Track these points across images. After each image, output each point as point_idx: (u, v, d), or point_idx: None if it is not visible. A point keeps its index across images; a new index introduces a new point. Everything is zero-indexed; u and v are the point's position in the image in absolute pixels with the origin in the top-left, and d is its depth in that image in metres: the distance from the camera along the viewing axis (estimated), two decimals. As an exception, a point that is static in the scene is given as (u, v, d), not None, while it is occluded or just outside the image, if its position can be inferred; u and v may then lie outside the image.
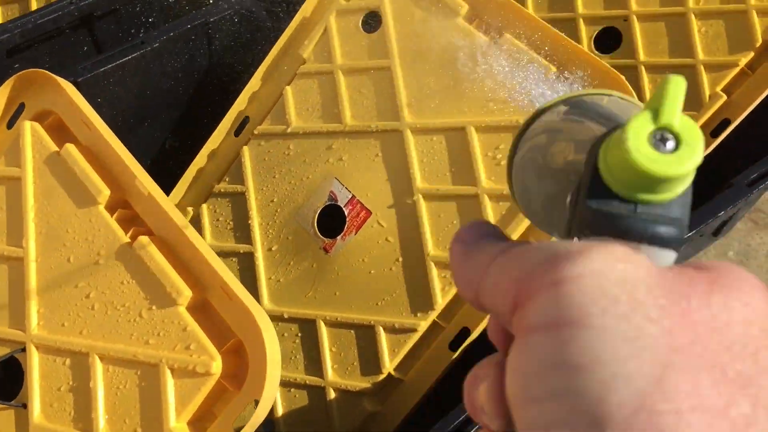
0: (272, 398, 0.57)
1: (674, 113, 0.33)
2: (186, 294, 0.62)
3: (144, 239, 0.65)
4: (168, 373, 0.61)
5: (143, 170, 0.67)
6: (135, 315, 0.64)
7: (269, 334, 0.58)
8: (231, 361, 0.61)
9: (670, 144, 0.33)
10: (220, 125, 1.04)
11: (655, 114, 0.33)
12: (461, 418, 0.77)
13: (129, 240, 0.66)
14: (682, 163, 0.32)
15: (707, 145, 1.19)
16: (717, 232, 1.31)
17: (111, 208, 0.68)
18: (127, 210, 0.68)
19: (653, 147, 0.33)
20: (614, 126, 0.37)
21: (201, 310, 0.63)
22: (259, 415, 0.57)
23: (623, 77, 0.82)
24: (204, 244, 0.63)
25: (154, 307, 0.63)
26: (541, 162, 0.45)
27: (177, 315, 0.62)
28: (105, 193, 0.68)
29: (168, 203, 0.65)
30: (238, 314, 0.61)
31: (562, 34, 0.88)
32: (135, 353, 0.63)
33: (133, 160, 0.67)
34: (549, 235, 0.45)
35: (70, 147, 0.71)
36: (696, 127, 0.34)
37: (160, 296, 0.63)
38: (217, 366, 0.60)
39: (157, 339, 0.62)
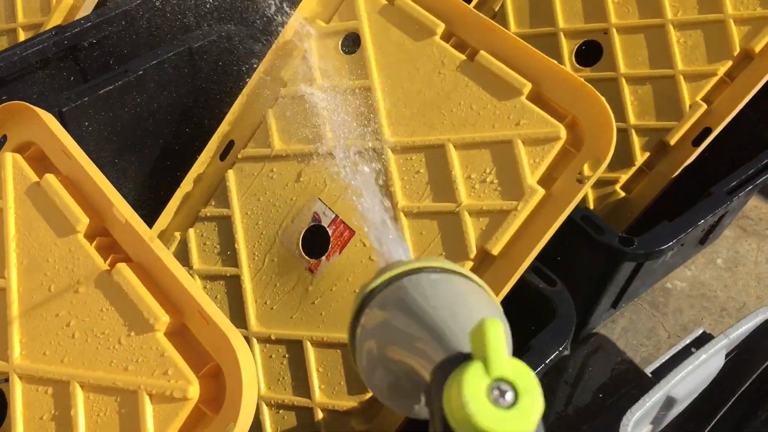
0: (249, 421, 0.57)
1: (502, 362, 0.35)
2: (163, 319, 0.62)
3: (122, 266, 0.65)
4: (146, 399, 0.61)
5: (121, 198, 0.67)
6: (114, 342, 0.64)
7: (245, 357, 0.58)
8: (209, 385, 0.61)
9: (509, 395, 0.35)
10: (206, 149, 1.05)
11: (485, 364, 0.35)
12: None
13: (108, 267, 0.66)
14: (527, 419, 0.34)
15: (689, 154, 1.19)
16: (703, 241, 1.31)
17: (90, 236, 0.68)
18: (105, 237, 0.68)
19: (494, 403, 0.34)
20: (447, 359, 0.38)
21: (179, 334, 0.63)
22: (237, 439, 0.57)
23: (596, 92, 0.82)
24: (181, 269, 0.63)
25: (132, 333, 0.63)
26: (377, 354, 0.47)
27: (155, 340, 0.62)
28: (84, 221, 0.68)
29: (145, 229, 0.65)
30: (215, 338, 0.61)
31: (538, 51, 0.88)
32: (114, 380, 0.63)
33: (111, 188, 0.68)
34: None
35: (50, 177, 0.71)
36: (529, 372, 0.35)
37: (139, 322, 0.63)
38: (194, 391, 0.60)
39: (136, 365, 0.62)
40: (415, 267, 0.48)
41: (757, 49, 1.14)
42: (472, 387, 0.34)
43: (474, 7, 1.42)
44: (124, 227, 0.66)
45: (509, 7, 1.38)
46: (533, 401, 0.34)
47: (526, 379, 0.35)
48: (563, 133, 0.84)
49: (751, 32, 1.15)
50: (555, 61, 0.86)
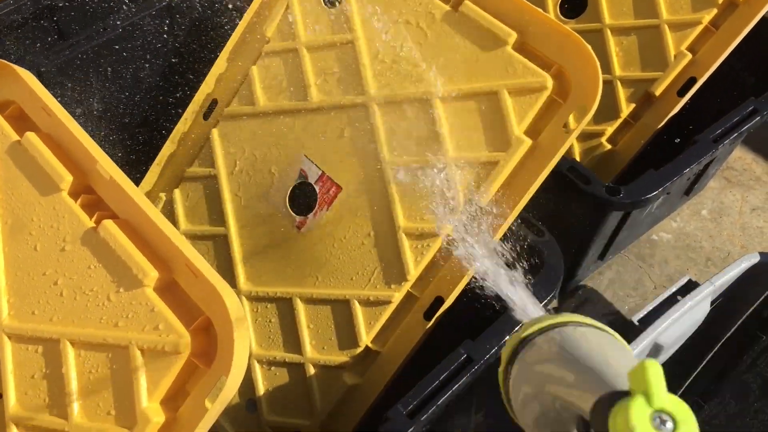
0: (241, 372, 0.57)
1: (662, 396, 0.42)
2: (152, 275, 0.62)
3: (108, 223, 0.64)
4: (138, 354, 0.61)
5: (105, 154, 0.66)
6: (103, 299, 0.64)
7: (235, 308, 0.58)
8: (200, 338, 0.60)
9: (669, 425, 0.42)
10: (188, 109, 1.04)
11: (647, 397, 0.42)
12: (434, 385, 0.78)
13: (94, 225, 0.66)
14: None
15: (675, 105, 1.19)
16: (689, 191, 1.32)
17: (74, 194, 0.68)
18: (90, 195, 0.68)
19: (656, 430, 0.42)
20: (607, 395, 0.45)
21: (168, 289, 0.63)
22: (230, 389, 0.57)
23: (584, 41, 0.82)
24: (168, 225, 0.63)
25: (121, 290, 0.63)
26: (532, 392, 0.55)
27: (144, 296, 0.62)
28: (67, 179, 0.67)
29: (130, 186, 0.64)
30: (204, 292, 0.60)
31: (525, 1, 0.87)
32: (105, 337, 0.63)
33: (94, 145, 0.67)
34: None
35: (31, 135, 0.70)
36: (685, 406, 0.42)
37: (127, 279, 0.63)
38: (185, 344, 0.60)
39: (126, 321, 0.62)
40: (563, 321, 0.58)
41: (742, -4, 1.13)
42: (638, 416, 0.42)
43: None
44: (108, 184, 0.66)
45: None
46: (690, 429, 0.42)
47: (684, 411, 0.42)
48: (549, 82, 0.83)
49: (736, -20, 1.15)
50: (540, 10, 0.85)
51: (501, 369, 0.61)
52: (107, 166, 0.65)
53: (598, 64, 0.81)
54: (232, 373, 0.57)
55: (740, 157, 1.54)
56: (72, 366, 0.64)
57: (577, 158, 1.26)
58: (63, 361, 0.64)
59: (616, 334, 0.58)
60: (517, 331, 0.61)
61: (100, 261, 0.64)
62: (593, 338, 0.55)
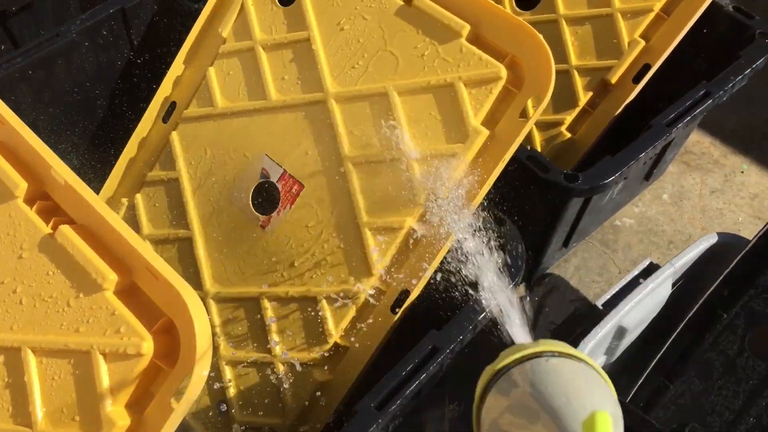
0: (204, 372, 0.57)
1: None
2: (111, 278, 0.62)
3: (65, 228, 0.64)
4: (100, 358, 0.61)
5: (59, 160, 0.66)
6: (63, 305, 0.63)
7: (196, 308, 0.58)
8: (163, 340, 0.60)
9: None
10: (147, 112, 1.03)
11: None
12: (401, 376, 0.78)
13: (50, 231, 0.65)
14: None
15: (630, 91, 1.21)
16: (648, 176, 1.34)
17: (30, 200, 0.67)
18: (46, 201, 0.67)
19: None
20: None
21: (129, 292, 0.62)
22: (194, 389, 0.57)
23: (535, 30, 0.83)
24: (126, 227, 0.62)
25: (81, 295, 0.63)
26: (499, 429, 0.54)
27: (104, 300, 0.62)
28: (22, 186, 0.67)
29: (86, 190, 0.64)
30: (165, 293, 0.60)
31: (475, -8, 0.88)
32: (66, 343, 0.62)
33: (49, 151, 0.66)
34: None
35: (-16, 144, 0.69)
36: None
37: (87, 283, 0.62)
38: (148, 346, 0.59)
39: (87, 326, 0.62)
40: (536, 351, 0.55)
41: (691, -18, 1.15)
42: None
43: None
44: (64, 189, 0.65)
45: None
46: None
47: None
48: (504, 72, 0.84)
49: (684, -34, 1.17)
50: (492, 2, 0.86)
51: (474, 405, 0.60)
52: (62, 172, 0.64)
53: (550, 52, 0.82)
54: (195, 373, 0.57)
55: (698, 141, 1.56)
56: (34, 373, 0.63)
57: (538, 148, 1.27)
58: (25, 369, 0.64)
59: (595, 364, 0.56)
60: (493, 363, 0.60)
61: (59, 267, 0.64)
62: (564, 371, 0.54)
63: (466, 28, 0.86)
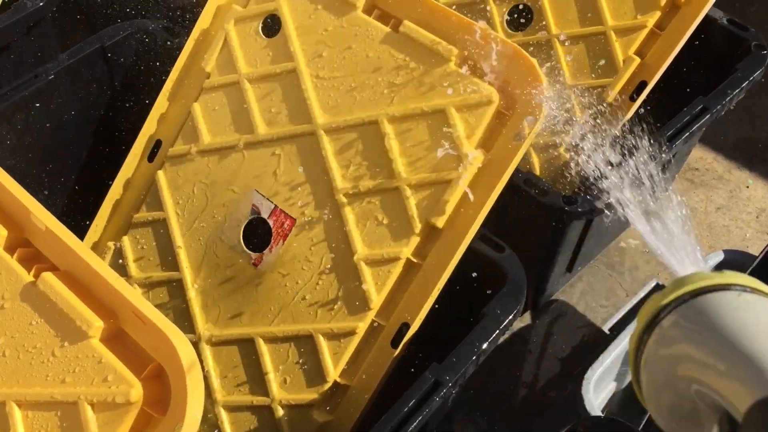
0: (197, 418, 0.57)
1: None
2: (97, 325, 0.61)
3: (48, 276, 0.64)
4: (88, 408, 0.60)
5: (39, 205, 0.66)
6: (48, 355, 0.63)
7: (187, 353, 0.58)
8: (153, 386, 0.60)
9: None
10: (132, 151, 1.03)
11: None
12: (403, 413, 0.77)
13: (33, 279, 0.65)
14: None
15: (628, 109, 1.22)
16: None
17: (10, 248, 0.67)
18: (28, 248, 0.67)
19: None
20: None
21: (115, 339, 0.62)
22: (186, 438, 0.56)
23: (522, 50, 0.83)
24: (111, 272, 0.62)
25: (66, 344, 0.62)
26: (670, 374, 0.45)
27: (90, 348, 0.61)
28: (2, 233, 0.67)
29: (68, 235, 0.64)
30: (153, 338, 0.60)
31: (461, 15, 0.89)
32: (52, 394, 0.62)
33: (27, 196, 0.66)
34: None
35: (-38, 192, 0.69)
36: None
37: (72, 331, 0.62)
38: (137, 394, 0.59)
39: (74, 376, 0.61)
40: (724, 283, 0.46)
41: (683, -4, 1.16)
42: None
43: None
44: (45, 235, 0.65)
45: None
46: None
47: None
48: (495, 96, 0.85)
49: (676, -20, 1.18)
50: (482, 26, 0.87)
51: (635, 334, 0.50)
52: (42, 217, 0.64)
53: (540, 72, 0.83)
54: (187, 420, 0.56)
55: (701, 157, 1.57)
56: (20, 428, 0.63)
57: (537, 171, 1.27)
58: (11, 423, 0.63)
59: None
60: (659, 292, 0.50)
61: (42, 316, 0.63)
62: (764, 313, 0.44)
63: (455, 53, 0.87)
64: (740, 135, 1.59)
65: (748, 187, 1.51)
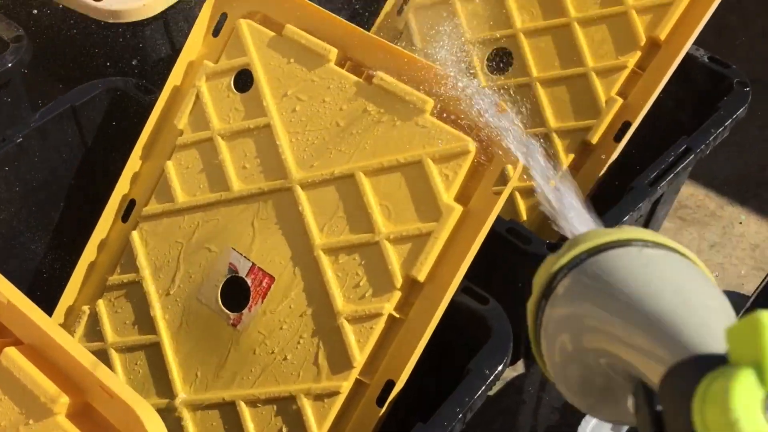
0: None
1: None
2: (62, 401, 0.61)
3: (11, 351, 0.63)
4: (54, 491, 0.59)
5: (0, 277, 0.65)
6: (12, 433, 0.62)
7: (155, 426, 0.57)
8: (121, 464, 0.59)
9: None
10: (105, 212, 1.03)
11: (760, 372, 0.29)
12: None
13: (-5, 354, 0.64)
14: None
15: (613, 151, 1.22)
16: (642, 236, 1.34)
17: (-28, 324, 0.66)
18: (-9, 323, 0.66)
19: None
20: (690, 361, 0.32)
21: (82, 414, 0.61)
22: None
23: (503, 104, 0.84)
24: (76, 345, 0.62)
25: (31, 422, 0.61)
26: (573, 344, 0.41)
27: (56, 424, 0.60)
28: (-37, 308, 0.66)
29: (31, 307, 0.63)
30: (122, 412, 0.59)
31: (438, 67, 0.90)
32: (16, 475, 0.61)
33: (-12, 268, 0.66)
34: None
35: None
36: None
37: (37, 408, 0.61)
38: (104, 473, 0.58)
39: (39, 456, 0.60)
40: (623, 239, 0.41)
41: (662, 36, 1.18)
42: (744, 400, 0.28)
43: (377, 28, 1.45)
44: (7, 308, 0.64)
45: (413, 25, 1.41)
46: None
47: None
48: (472, 146, 0.85)
49: (654, 20, 1.19)
50: (452, 74, 0.88)
51: (531, 301, 0.46)
52: (4, 290, 0.64)
53: (518, 122, 0.83)
54: (156, 499, 0.55)
55: (692, 194, 1.57)
56: None
57: (524, 216, 1.27)
58: None
59: (704, 267, 0.42)
60: (557, 252, 0.45)
61: (6, 393, 0.63)
62: (670, 268, 0.39)
63: (429, 103, 0.88)
64: (730, 170, 1.60)
65: (740, 223, 1.51)
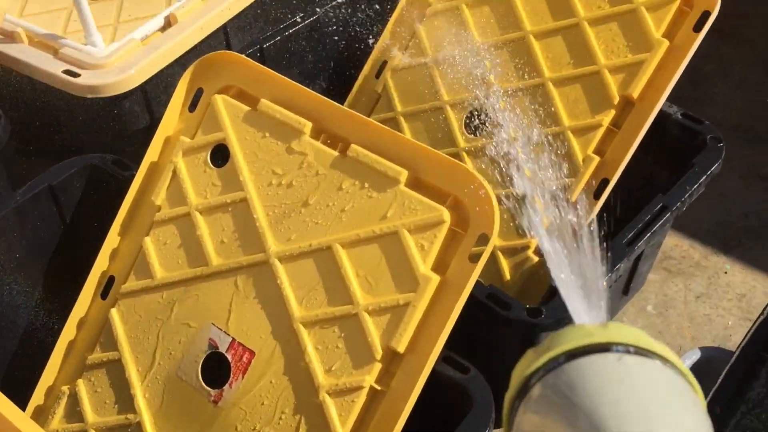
0: None
1: None
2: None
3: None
4: None
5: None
6: None
7: None
8: None
9: None
10: (84, 290, 1.03)
11: None
12: None
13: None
14: None
15: (593, 208, 1.24)
16: (626, 291, 1.35)
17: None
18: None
19: None
20: None
21: None
22: None
23: (470, 169, 0.86)
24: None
25: None
26: None
27: None
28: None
29: (5, 403, 0.63)
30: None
31: (408, 138, 0.92)
32: None
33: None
34: None
35: None
36: None
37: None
38: None
39: None
40: (604, 342, 0.39)
41: (635, 94, 1.20)
42: None
43: (356, 92, 1.47)
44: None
45: (392, 88, 1.44)
46: None
47: None
48: (447, 215, 0.87)
49: (627, 79, 1.22)
50: (425, 145, 0.90)
51: (507, 396, 0.45)
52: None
53: (490, 190, 0.85)
54: None
55: (677, 244, 1.59)
56: None
57: (507, 275, 1.28)
58: None
59: (689, 375, 0.41)
60: (535, 347, 0.45)
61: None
62: (648, 386, 0.38)
63: (404, 174, 0.89)
64: (714, 219, 1.62)
65: (726, 272, 1.52)
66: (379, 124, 0.93)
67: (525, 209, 1.28)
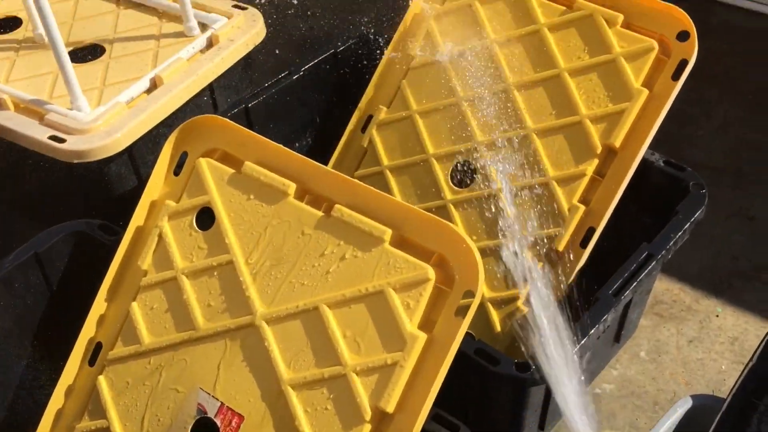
0: None
1: None
2: None
3: None
4: None
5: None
6: None
7: None
8: None
9: None
10: (72, 356, 1.03)
11: None
12: None
13: None
14: None
15: (580, 257, 1.25)
16: (618, 338, 1.35)
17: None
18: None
19: None
20: None
21: None
22: None
23: (453, 227, 0.87)
24: None
25: None
26: None
27: None
28: None
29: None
30: None
31: (392, 197, 0.93)
32: None
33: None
34: None
35: None
36: None
37: None
38: None
39: None
40: None
41: (617, 143, 1.22)
42: None
43: (342, 147, 1.49)
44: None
45: (378, 142, 1.45)
46: None
47: None
48: (432, 273, 0.87)
49: (608, 128, 1.24)
50: (409, 204, 0.91)
51: None
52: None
53: (474, 247, 0.86)
54: None
55: (667, 289, 1.60)
56: None
57: (497, 326, 1.29)
58: None
59: None
60: None
61: None
62: None
63: (388, 233, 0.90)
64: (703, 262, 1.63)
65: (717, 315, 1.53)
66: (362, 183, 0.94)
67: (513, 260, 1.30)
